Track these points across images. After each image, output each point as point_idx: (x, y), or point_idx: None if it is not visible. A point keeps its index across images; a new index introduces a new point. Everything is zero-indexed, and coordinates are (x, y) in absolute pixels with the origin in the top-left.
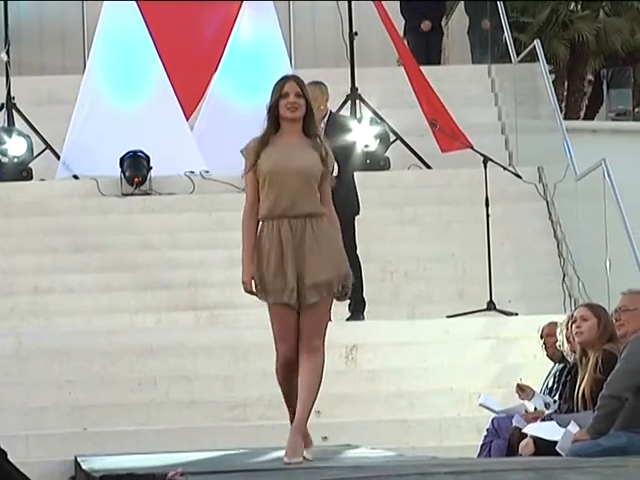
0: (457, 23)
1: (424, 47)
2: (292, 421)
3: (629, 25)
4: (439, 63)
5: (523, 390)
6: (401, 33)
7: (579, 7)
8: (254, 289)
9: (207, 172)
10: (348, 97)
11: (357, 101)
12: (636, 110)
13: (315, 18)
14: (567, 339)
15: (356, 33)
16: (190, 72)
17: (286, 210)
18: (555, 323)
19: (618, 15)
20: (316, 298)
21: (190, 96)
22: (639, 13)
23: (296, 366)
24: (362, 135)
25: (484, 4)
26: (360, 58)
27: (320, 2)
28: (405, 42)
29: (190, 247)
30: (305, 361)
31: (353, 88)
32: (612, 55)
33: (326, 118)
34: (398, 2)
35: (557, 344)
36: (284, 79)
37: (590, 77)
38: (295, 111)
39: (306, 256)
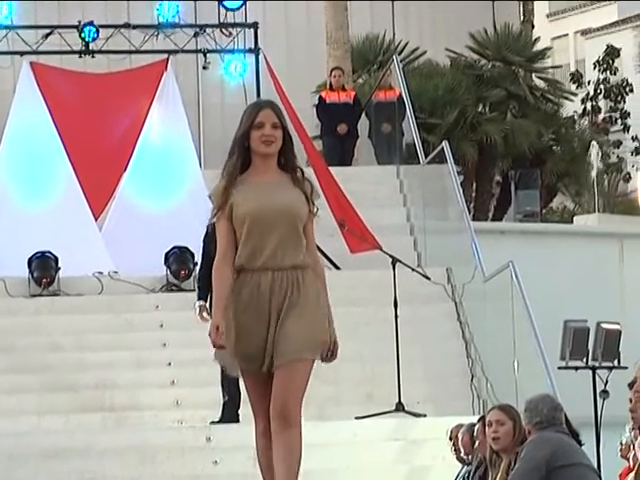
0: (366, 126)
1: (339, 150)
2: None
3: (536, 127)
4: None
5: None
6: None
7: (487, 109)
8: (221, 340)
9: (115, 273)
10: None
11: None
12: (544, 211)
13: (224, 117)
14: (473, 441)
15: None
16: (99, 172)
17: (269, 261)
18: (468, 425)
19: (525, 117)
20: (290, 357)
21: (99, 196)
22: (546, 115)
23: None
24: None
25: (388, 107)
26: None
27: (229, 100)
28: (313, 143)
29: (98, 348)
30: (279, 437)
31: None
32: (520, 157)
33: None
34: (310, 104)
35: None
36: (257, 106)
37: (498, 178)
38: (270, 145)
39: (288, 316)
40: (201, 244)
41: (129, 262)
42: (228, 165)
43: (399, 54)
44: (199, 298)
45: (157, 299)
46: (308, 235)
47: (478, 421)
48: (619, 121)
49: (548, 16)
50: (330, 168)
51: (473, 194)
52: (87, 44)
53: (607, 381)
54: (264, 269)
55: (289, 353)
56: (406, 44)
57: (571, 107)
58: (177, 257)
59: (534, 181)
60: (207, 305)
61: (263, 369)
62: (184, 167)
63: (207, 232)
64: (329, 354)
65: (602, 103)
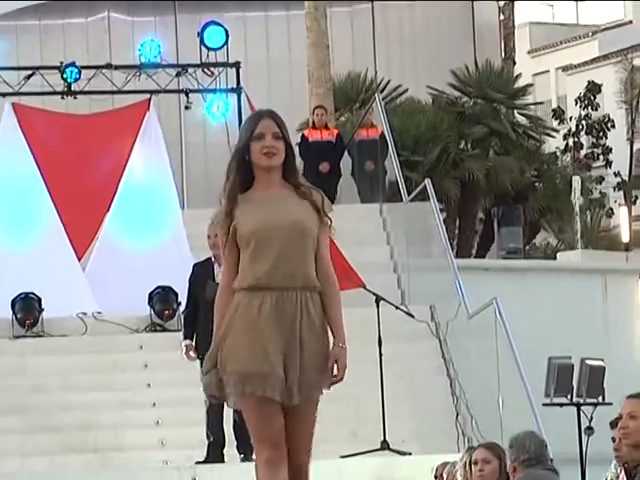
0: (348, 164)
1: (321, 188)
2: None
3: (518, 164)
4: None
5: None
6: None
7: (469, 146)
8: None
9: (99, 313)
10: None
11: None
12: (527, 248)
13: (207, 156)
14: None
15: None
16: (82, 212)
17: (275, 280)
18: (452, 463)
19: (507, 154)
20: (304, 399)
21: (82, 236)
22: (528, 152)
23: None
24: None
25: (370, 145)
26: None
27: (211, 140)
28: None
29: (82, 389)
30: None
31: None
32: (502, 193)
33: None
34: (293, 142)
35: None
36: (257, 115)
37: (481, 215)
38: (272, 157)
39: (297, 343)
40: (186, 284)
41: (113, 302)
42: (227, 184)
43: (381, 92)
44: (185, 337)
45: (141, 339)
46: (321, 248)
47: (466, 451)
48: (601, 157)
49: (529, 52)
50: None
51: (456, 231)
52: (69, 85)
53: (592, 417)
54: (269, 289)
55: (300, 396)
56: (388, 82)
57: (553, 143)
58: (161, 297)
59: (517, 218)
60: (193, 344)
61: (273, 396)
62: (166, 207)
63: (193, 272)
64: (336, 375)
65: (584, 139)
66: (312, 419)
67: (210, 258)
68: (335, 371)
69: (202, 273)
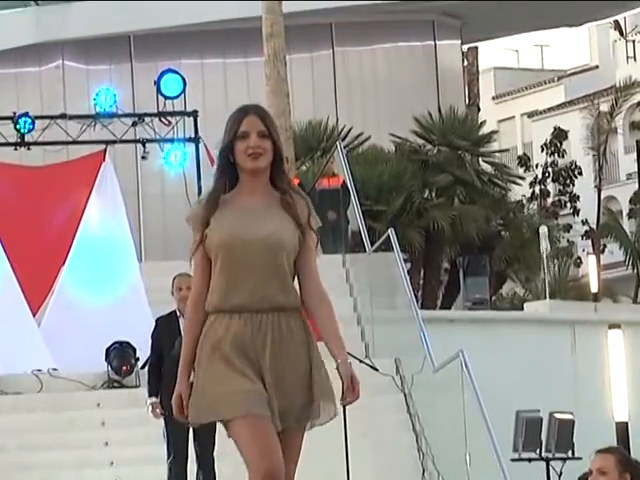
0: None
1: None
2: None
3: (484, 212)
4: None
5: None
6: None
7: (433, 195)
8: (181, 415)
9: (55, 370)
10: None
11: None
12: (493, 298)
13: (164, 207)
14: None
15: None
16: (37, 266)
17: (244, 301)
18: None
19: (473, 202)
20: (280, 426)
21: (37, 291)
22: (494, 200)
23: None
24: None
25: (332, 195)
26: None
27: (169, 190)
28: None
29: (39, 448)
30: None
31: None
32: (468, 243)
33: None
34: None
35: None
36: (242, 112)
37: (446, 265)
38: (258, 158)
39: (271, 370)
40: (145, 338)
41: (69, 358)
42: (212, 188)
43: (343, 140)
44: (150, 395)
45: (98, 396)
46: (308, 266)
47: None
48: (568, 205)
49: (494, 98)
50: None
51: (421, 282)
52: (22, 136)
53: (561, 473)
54: (238, 311)
55: (286, 419)
56: (350, 129)
57: (519, 191)
58: (118, 352)
59: (483, 267)
60: (159, 401)
61: (264, 412)
62: (124, 260)
63: (156, 326)
64: (349, 393)
65: (551, 187)
66: (295, 449)
67: (175, 312)
68: (350, 388)
69: (167, 327)
